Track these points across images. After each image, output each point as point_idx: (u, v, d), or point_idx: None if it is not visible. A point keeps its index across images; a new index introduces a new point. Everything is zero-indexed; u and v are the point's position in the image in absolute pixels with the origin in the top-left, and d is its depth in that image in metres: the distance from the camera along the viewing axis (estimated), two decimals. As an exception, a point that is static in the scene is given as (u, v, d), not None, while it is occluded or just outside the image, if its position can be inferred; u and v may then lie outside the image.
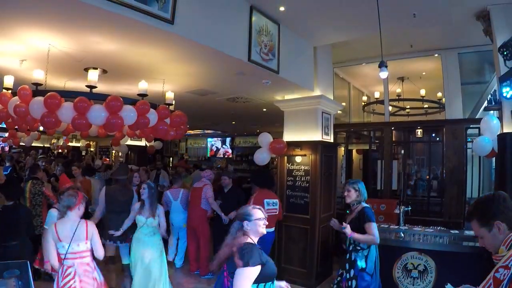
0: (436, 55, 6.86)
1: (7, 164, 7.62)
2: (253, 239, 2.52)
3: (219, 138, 17.73)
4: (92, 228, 3.34)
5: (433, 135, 8.13)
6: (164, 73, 5.16)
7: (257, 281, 2.33)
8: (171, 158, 17.49)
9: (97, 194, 5.93)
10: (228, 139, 17.50)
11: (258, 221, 2.55)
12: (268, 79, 5.29)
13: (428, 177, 7.90)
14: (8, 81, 4.54)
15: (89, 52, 4.17)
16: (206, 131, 16.89)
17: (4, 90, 4.46)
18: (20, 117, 4.18)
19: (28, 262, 3.34)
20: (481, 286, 1.79)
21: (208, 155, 17.85)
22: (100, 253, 3.39)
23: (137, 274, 4.57)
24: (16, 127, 5.37)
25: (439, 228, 5.17)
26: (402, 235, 4.88)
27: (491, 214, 1.84)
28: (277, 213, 5.35)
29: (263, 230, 2.59)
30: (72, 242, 3.23)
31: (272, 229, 5.29)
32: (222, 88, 6.27)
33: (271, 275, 2.46)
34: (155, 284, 4.58)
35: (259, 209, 2.65)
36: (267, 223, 2.67)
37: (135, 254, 4.61)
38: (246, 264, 2.28)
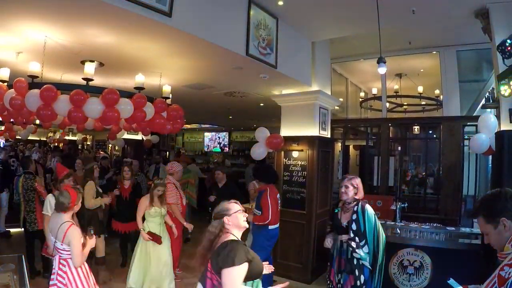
0: (434, 52, 6.84)
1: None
2: (236, 235, 2.41)
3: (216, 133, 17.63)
4: (71, 234, 3.08)
5: (430, 132, 8.12)
6: (161, 66, 5.12)
7: (244, 279, 2.23)
8: (167, 152, 17.42)
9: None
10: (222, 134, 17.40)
11: (237, 214, 2.43)
12: (265, 73, 5.27)
13: (424, 173, 7.91)
14: (4, 74, 4.50)
15: (86, 44, 4.13)
16: (203, 126, 16.83)
17: (-1, 83, 4.43)
18: (15, 110, 4.13)
19: (23, 255, 3.33)
20: (486, 284, 1.77)
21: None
22: (75, 261, 3.10)
23: (136, 259, 4.69)
24: (12, 120, 5.31)
25: (435, 224, 5.20)
26: (399, 231, 4.90)
27: (498, 211, 1.82)
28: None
29: (244, 224, 2.47)
30: (56, 239, 3.15)
31: (278, 224, 5.18)
32: (219, 82, 6.24)
33: (258, 272, 2.37)
34: (153, 272, 4.63)
35: (236, 202, 2.51)
36: (246, 215, 2.54)
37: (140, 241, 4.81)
38: (232, 263, 2.18)
